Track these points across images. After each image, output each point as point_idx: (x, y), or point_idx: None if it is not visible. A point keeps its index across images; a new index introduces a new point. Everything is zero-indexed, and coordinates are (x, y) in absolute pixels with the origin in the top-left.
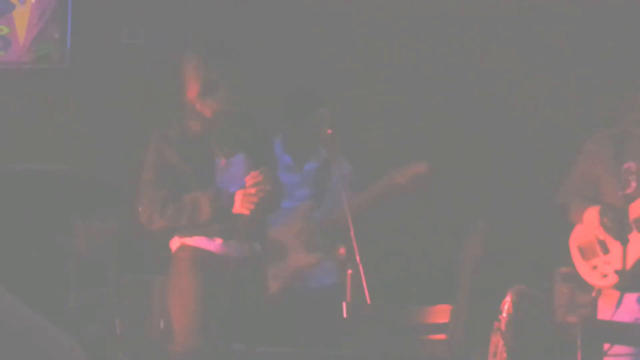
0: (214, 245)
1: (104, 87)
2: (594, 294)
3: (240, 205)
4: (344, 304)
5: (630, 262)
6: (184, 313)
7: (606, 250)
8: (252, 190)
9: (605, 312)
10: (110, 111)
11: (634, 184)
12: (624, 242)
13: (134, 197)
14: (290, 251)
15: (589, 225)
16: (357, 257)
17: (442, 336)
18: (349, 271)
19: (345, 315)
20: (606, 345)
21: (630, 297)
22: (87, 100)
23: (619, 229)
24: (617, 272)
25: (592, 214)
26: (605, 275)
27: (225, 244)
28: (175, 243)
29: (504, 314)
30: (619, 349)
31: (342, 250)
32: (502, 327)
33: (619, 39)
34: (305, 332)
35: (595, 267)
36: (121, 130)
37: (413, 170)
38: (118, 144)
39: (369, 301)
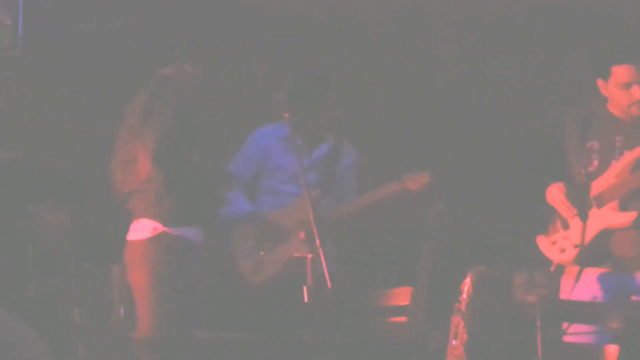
0: (192, 232)
1: (57, 74)
2: (552, 269)
3: None
4: (304, 288)
5: (588, 238)
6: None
7: (566, 226)
8: None
9: (566, 288)
10: (63, 98)
11: (596, 162)
12: (584, 218)
13: (90, 183)
14: (292, 238)
15: (550, 201)
16: (317, 241)
17: (402, 318)
18: (309, 255)
19: (305, 299)
20: (565, 324)
21: (589, 274)
22: (40, 87)
23: (579, 206)
24: (575, 246)
25: (553, 191)
26: (563, 250)
27: (199, 231)
28: (150, 228)
29: (464, 295)
30: (577, 327)
31: (301, 235)
32: (462, 308)
33: (583, 27)
34: (300, 317)
35: (554, 243)
36: (73, 118)
37: (423, 179)
38: (70, 131)
39: (329, 285)
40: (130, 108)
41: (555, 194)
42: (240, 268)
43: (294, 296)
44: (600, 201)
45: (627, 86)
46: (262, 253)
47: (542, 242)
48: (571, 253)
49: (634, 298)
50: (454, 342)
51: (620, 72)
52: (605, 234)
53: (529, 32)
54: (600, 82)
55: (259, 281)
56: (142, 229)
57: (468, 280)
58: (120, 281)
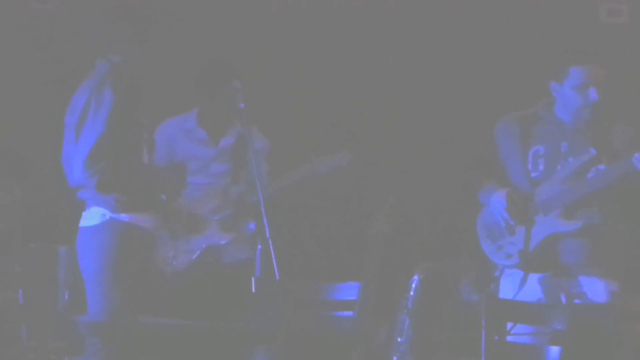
0: (141, 219)
1: (12, 54)
2: (497, 274)
3: None
4: (253, 279)
5: (533, 244)
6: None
7: (512, 232)
8: None
9: (508, 291)
10: (18, 79)
11: (541, 167)
12: (530, 224)
13: (38, 165)
14: (205, 227)
15: (495, 208)
16: (267, 233)
17: (349, 313)
18: (259, 246)
19: (253, 290)
20: (509, 324)
21: (533, 278)
22: None
23: (524, 213)
24: (520, 252)
25: (498, 198)
26: (509, 256)
27: (150, 218)
28: (99, 215)
29: (412, 292)
30: (521, 327)
31: (251, 226)
32: (410, 304)
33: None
34: (217, 305)
35: (500, 247)
36: (27, 99)
37: (335, 160)
38: (23, 113)
39: (277, 277)
40: (72, 105)
41: (499, 202)
42: (155, 257)
43: (210, 285)
44: (547, 208)
45: (584, 87)
46: (175, 243)
47: (488, 246)
48: (516, 258)
49: (576, 301)
50: (400, 339)
51: (578, 73)
52: (551, 241)
53: (478, 32)
54: (552, 85)
55: (173, 271)
56: (91, 217)
57: (416, 277)
58: (67, 264)
